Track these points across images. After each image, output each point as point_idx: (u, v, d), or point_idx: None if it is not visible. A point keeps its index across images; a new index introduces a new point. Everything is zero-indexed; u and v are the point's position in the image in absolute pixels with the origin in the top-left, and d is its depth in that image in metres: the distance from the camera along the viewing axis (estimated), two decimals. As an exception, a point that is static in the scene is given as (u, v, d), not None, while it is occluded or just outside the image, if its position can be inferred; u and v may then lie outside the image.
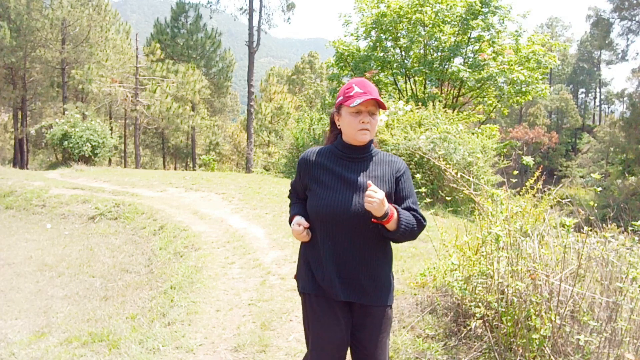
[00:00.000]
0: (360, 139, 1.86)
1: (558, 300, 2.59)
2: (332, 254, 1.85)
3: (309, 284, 1.92)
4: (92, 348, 3.53)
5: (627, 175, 30.60)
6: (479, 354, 2.95)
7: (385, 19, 14.71)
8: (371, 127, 1.86)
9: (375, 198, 1.70)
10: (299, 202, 2.06)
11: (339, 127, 1.95)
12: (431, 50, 15.20)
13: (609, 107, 63.29)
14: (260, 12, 22.76)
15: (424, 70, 14.40)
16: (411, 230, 1.82)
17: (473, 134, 10.41)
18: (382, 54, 15.38)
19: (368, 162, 1.91)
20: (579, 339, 2.44)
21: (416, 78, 15.52)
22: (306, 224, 1.89)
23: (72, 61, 23.51)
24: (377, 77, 15.24)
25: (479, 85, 14.61)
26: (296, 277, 2.05)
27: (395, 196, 1.91)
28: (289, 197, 2.16)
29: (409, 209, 1.88)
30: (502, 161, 10.19)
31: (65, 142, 14.94)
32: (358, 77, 15.19)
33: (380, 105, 1.85)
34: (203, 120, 29.33)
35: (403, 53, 15.38)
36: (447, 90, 15.62)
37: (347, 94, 1.86)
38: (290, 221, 1.99)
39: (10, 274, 5.70)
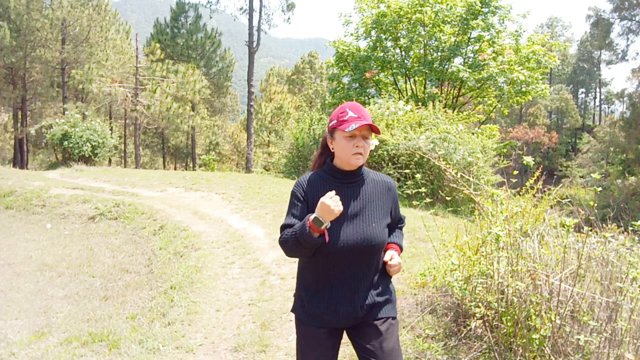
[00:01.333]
0: (354, 163, 1.85)
1: (558, 300, 2.59)
2: (341, 279, 1.84)
3: (302, 311, 1.91)
4: (92, 348, 3.53)
5: (627, 175, 30.60)
6: (479, 354, 2.95)
7: (385, 19, 14.72)
8: (364, 151, 1.87)
9: (397, 266, 1.90)
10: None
11: (332, 151, 1.93)
12: (431, 50, 15.21)
13: (609, 107, 63.35)
14: (260, 12, 22.76)
15: (424, 70, 14.40)
16: None
17: (473, 134, 10.41)
18: (382, 54, 15.38)
19: (362, 185, 1.92)
20: (579, 339, 2.44)
21: (416, 78, 15.53)
22: (333, 192, 1.78)
23: (72, 61, 23.51)
24: (377, 77, 15.24)
25: (479, 85, 14.61)
26: (295, 295, 2.01)
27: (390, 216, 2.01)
28: (282, 237, 1.87)
29: (398, 221, 2.07)
30: (502, 161, 10.18)
31: (65, 142, 14.93)
32: (358, 76, 15.24)
33: (373, 130, 1.87)
34: (203, 120, 29.33)
35: (403, 53, 15.38)
36: (447, 90, 15.63)
37: (341, 118, 1.86)
38: (304, 225, 1.77)
39: (10, 274, 5.70)
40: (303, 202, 1.87)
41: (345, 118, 1.85)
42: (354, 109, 1.87)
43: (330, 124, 1.91)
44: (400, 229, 2.09)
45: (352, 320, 1.87)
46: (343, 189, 1.87)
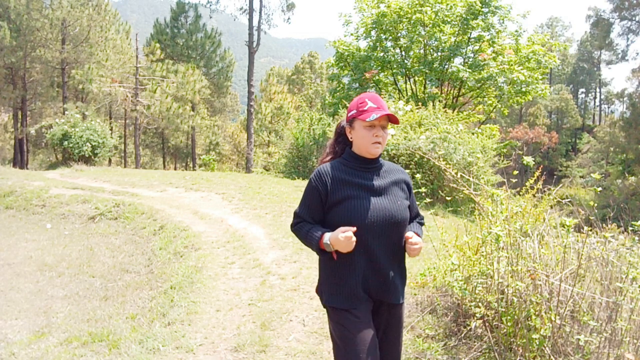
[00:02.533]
0: (373, 152, 1.94)
1: (558, 300, 2.59)
2: (367, 260, 1.90)
3: (337, 299, 1.92)
4: (92, 348, 3.53)
5: (627, 175, 30.61)
6: (479, 354, 2.95)
7: (385, 19, 14.72)
8: (383, 140, 1.96)
9: (418, 245, 1.92)
10: (316, 224, 1.96)
11: (350, 140, 2.01)
12: (431, 50, 15.22)
13: (609, 107, 63.31)
14: (260, 12, 22.78)
15: (424, 70, 14.41)
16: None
17: (473, 134, 10.41)
18: (382, 54, 15.39)
19: (380, 170, 2.01)
20: (579, 339, 2.44)
21: (416, 78, 15.53)
22: (353, 228, 1.82)
23: (72, 61, 23.51)
24: (377, 77, 15.25)
25: (479, 85, 14.62)
26: (319, 290, 2.03)
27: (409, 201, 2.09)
28: (295, 226, 2.00)
29: (416, 215, 2.15)
30: (502, 161, 10.19)
31: (65, 142, 14.94)
32: (358, 76, 15.24)
33: (392, 120, 1.95)
34: (203, 120, 29.32)
35: (403, 53, 15.39)
36: (447, 90, 15.63)
37: (361, 108, 1.94)
38: (316, 242, 1.88)
39: (10, 274, 5.70)
40: (320, 192, 1.93)
41: (365, 108, 1.92)
42: (373, 99, 1.95)
43: (350, 114, 1.98)
44: (420, 224, 2.16)
45: (380, 296, 1.95)
46: (365, 174, 1.96)
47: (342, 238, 1.79)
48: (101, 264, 5.95)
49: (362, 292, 1.90)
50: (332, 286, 1.93)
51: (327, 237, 1.86)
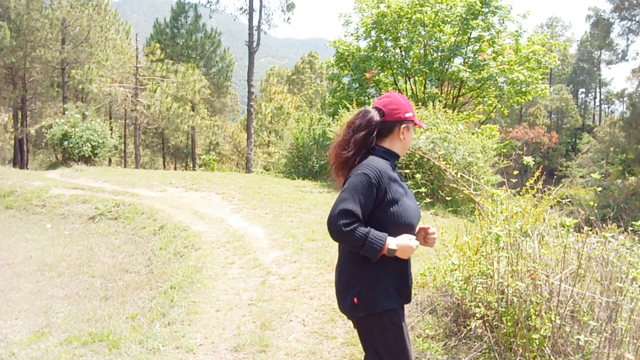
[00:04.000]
0: (405, 152, 2.11)
1: (558, 300, 2.59)
2: (409, 259, 1.97)
3: (393, 299, 1.89)
4: (92, 348, 3.53)
5: (627, 175, 30.62)
6: (479, 354, 2.95)
7: (385, 19, 14.71)
8: None
9: (435, 235, 2.08)
10: (365, 225, 1.84)
11: (402, 140, 2.03)
12: (431, 50, 15.21)
13: (609, 107, 63.30)
14: (260, 12, 22.76)
15: (424, 70, 14.40)
16: None
17: (473, 134, 10.40)
18: (382, 54, 15.37)
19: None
20: (579, 339, 2.44)
21: (416, 78, 15.53)
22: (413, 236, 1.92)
23: (72, 61, 23.51)
24: (377, 77, 15.24)
25: (479, 85, 14.61)
26: (363, 299, 1.86)
27: None
28: (350, 227, 1.77)
29: None
30: (502, 161, 10.18)
31: (65, 142, 14.93)
32: (358, 76, 15.23)
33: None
34: (203, 120, 29.30)
35: (403, 53, 15.38)
36: (447, 90, 15.62)
37: (413, 114, 2.05)
38: (380, 247, 1.78)
39: (10, 274, 5.70)
40: (377, 190, 1.84)
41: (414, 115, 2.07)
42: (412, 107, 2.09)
43: (408, 115, 2.02)
44: None
45: (409, 292, 2.01)
46: (398, 174, 2.04)
47: (415, 246, 1.84)
48: (101, 264, 5.95)
49: (409, 288, 1.98)
50: (387, 288, 1.87)
51: (393, 243, 1.80)
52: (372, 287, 1.86)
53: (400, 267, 1.92)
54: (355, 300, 1.86)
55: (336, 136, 2.09)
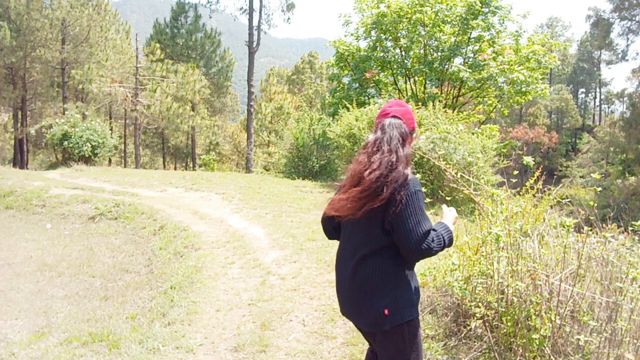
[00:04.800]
0: None
1: (558, 300, 2.59)
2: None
3: (415, 308, 1.95)
4: (92, 348, 3.53)
5: (627, 175, 30.63)
6: (479, 354, 2.95)
7: (385, 19, 14.70)
8: None
9: None
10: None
11: (411, 147, 2.04)
12: (431, 50, 15.21)
13: (609, 107, 63.29)
14: (260, 12, 22.76)
15: (424, 70, 14.40)
16: None
17: (473, 134, 10.40)
18: (382, 54, 15.37)
19: None
20: (579, 339, 2.44)
21: (416, 78, 15.52)
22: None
23: (72, 61, 23.50)
24: (377, 77, 15.24)
25: (479, 85, 14.61)
26: (397, 309, 1.87)
27: None
28: (434, 242, 1.84)
29: None
30: (502, 161, 10.18)
31: (65, 142, 14.93)
32: (358, 76, 15.23)
33: None
34: (203, 120, 29.30)
35: (403, 53, 15.38)
36: (447, 90, 15.62)
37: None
38: (450, 234, 1.95)
39: (10, 274, 5.70)
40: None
41: None
42: None
43: (414, 125, 2.05)
44: None
45: None
46: None
47: (456, 214, 2.08)
48: (101, 264, 5.95)
49: (417, 296, 2.01)
50: (412, 298, 1.91)
51: (450, 223, 2.01)
52: (403, 297, 1.88)
53: (416, 278, 2.02)
54: (386, 311, 1.85)
55: (368, 154, 1.90)
